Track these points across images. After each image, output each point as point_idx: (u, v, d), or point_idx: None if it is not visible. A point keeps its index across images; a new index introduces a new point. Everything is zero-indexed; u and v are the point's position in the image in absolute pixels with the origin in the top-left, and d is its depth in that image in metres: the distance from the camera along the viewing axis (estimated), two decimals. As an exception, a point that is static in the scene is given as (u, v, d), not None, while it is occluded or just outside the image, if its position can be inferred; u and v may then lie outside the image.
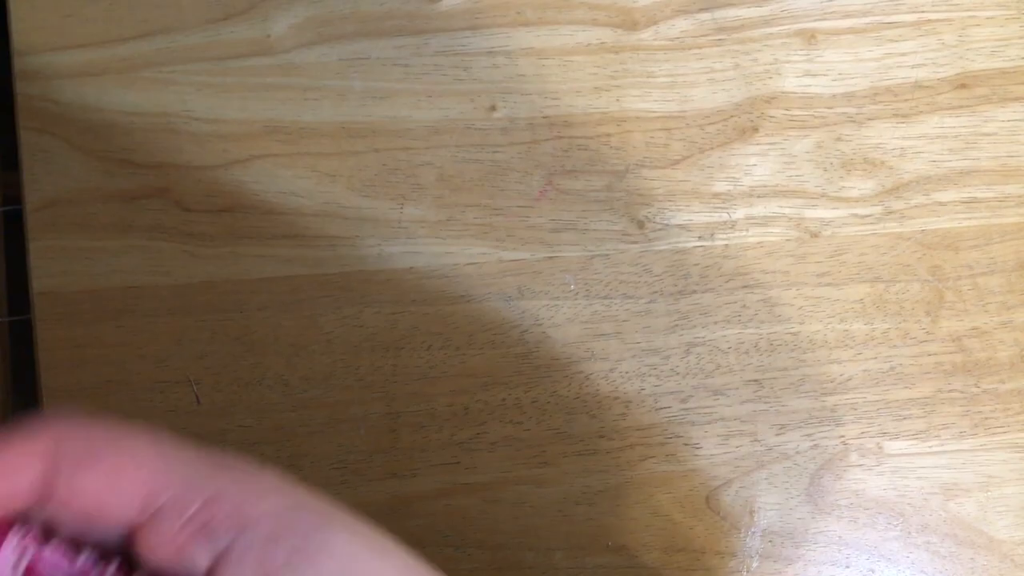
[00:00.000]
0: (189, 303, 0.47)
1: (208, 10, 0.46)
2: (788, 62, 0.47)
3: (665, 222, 0.48)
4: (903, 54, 0.47)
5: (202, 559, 0.29)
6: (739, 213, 0.48)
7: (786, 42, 0.47)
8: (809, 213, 0.48)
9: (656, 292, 0.48)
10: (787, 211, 0.48)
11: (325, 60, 0.47)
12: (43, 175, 0.46)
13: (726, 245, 0.48)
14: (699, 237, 0.48)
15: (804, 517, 0.49)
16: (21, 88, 0.46)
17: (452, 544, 0.48)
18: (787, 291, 0.48)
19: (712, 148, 0.47)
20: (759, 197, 0.48)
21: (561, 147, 0.47)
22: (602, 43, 0.47)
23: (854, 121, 0.47)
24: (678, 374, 0.48)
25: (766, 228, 0.48)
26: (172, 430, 0.47)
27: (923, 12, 0.47)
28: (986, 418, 0.48)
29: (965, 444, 0.48)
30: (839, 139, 0.47)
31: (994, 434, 0.48)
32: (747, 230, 0.48)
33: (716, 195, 0.48)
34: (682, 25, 0.47)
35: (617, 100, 0.47)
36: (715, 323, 0.48)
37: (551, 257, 0.48)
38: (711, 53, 0.47)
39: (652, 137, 0.47)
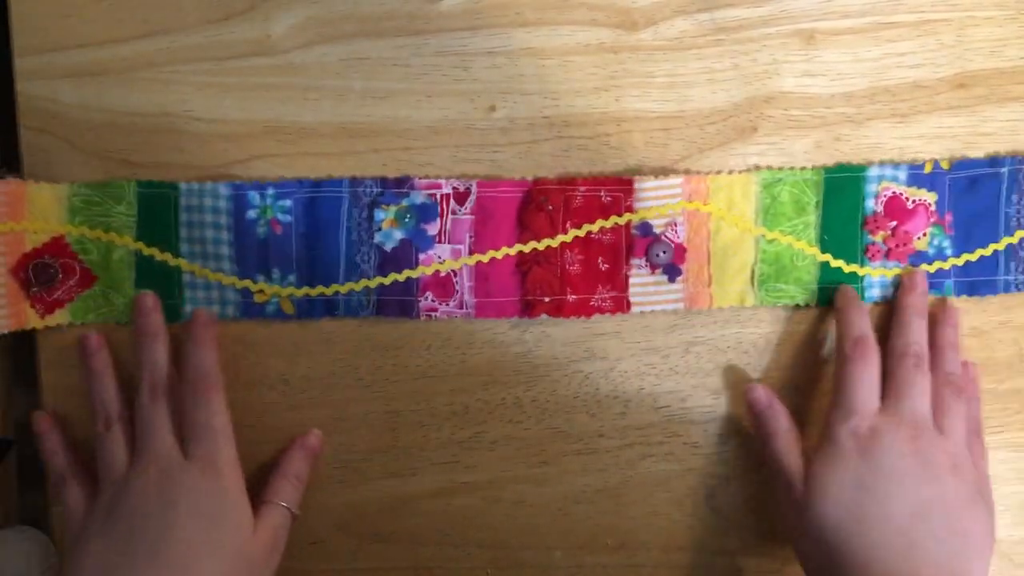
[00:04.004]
0: (189, 303, 0.47)
1: (208, 10, 0.46)
2: (787, 62, 0.47)
3: (664, 222, 0.48)
4: (902, 54, 0.48)
5: None
6: (738, 213, 0.48)
7: (785, 42, 0.47)
8: (808, 213, 0.48)
9: (655, 292, 0.48)
10: (786, 211, 0.48)
11: (325, 60, 0.47)
12: (43, 175, 0.46)
13: (725, 245, 0.48)
14: (698, 237, 0.48)
15: (803, 516, 0.49)
16: (21, 88, 0.46)
17: (452, 543, 0.48)
18: (786, 291, 0.48)
19: (711, 148, 0.47)
20: (758, 197, 0.48)
21: (561, 147, 0.47)
22: (601, 43, 0.47)
23: (853, 121, 0.48)
24: (677, 373, 0.48)
25: (765, 228, 0.48)
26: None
27: (922, 12, 0.48)
28: (985, 417, 0.48)
29: (963, 443, 0.48)
30: (838, 139, 0.48)
31: (993, 433, 0.48)
32: (746, 230, 0.48)
33: (715, 195, 0.48)
34: (681, 25, 0.47)
35: (616, 100, 0.47)
36: (714, 322, 0.48)
37: (551, 257, 0.48)
38: (710, 53, 0.47)
39: (651, 137, 0.47)
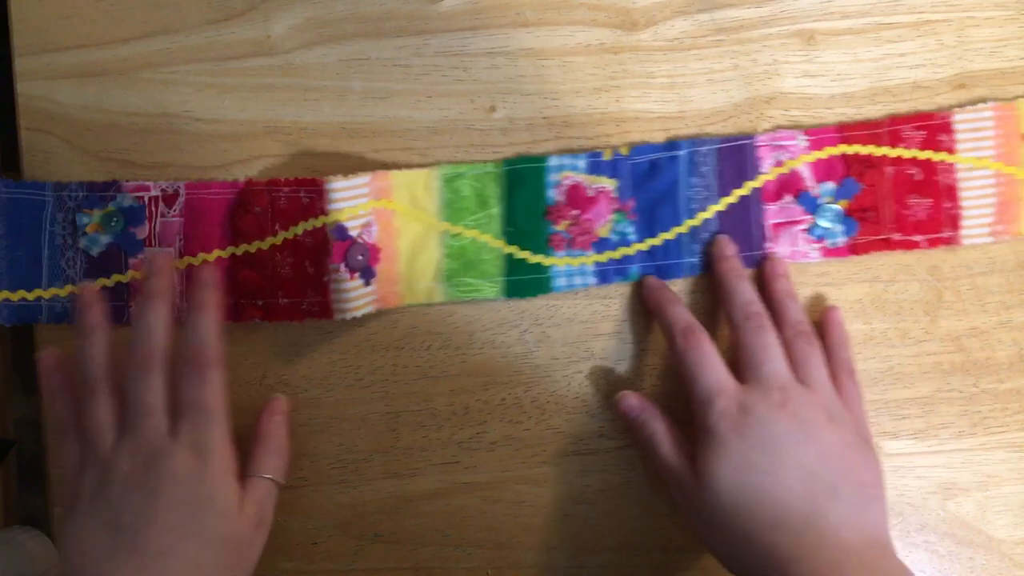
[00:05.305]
0: (189, 303, 0.47)
1: (208, 11, 0.47)
2: (787, 62, 0.47)
3: (664, 222, 0.48)
4: (902, 55, 0.48)
5: None
6: (738, 213, 0.48)
7: (785, 43, 0.47)
8: (808, 213, 0.48)
9: (655, 292, 0.48)
10: (786, 211, 0.48)
11: (325, 60, 0.47)
12: (43, 175, 0.46)
13: (725, 245, 0.48)
14: (698, 237, 0.48)
15: (803, 516, 0.49)
16: (21, 88, 0.46)
17: (452, 543, 0.48)
18: (786, 291, 0.48)
19: (711, 148, 0.47)
20: (758, 197, 0.48)
21: (561, 147, 0.47)
22: (601, 44, 0.47)
23: (853, 121, 0.48)
24: (677, 373, 0.48)
25: (765, 228, 0.48)
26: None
27: (922, 13, 0.48)
28: (985, 417, 0.48)
29: (964, 444, 0.48)
30: (838, 139, 0.48)
31: (993, 433, 0.48)
32: (746, 230, 0.48)
33: (715, 195, 0.48)
34: (681, 26, 0.47)
35: (616, 101, 0.47)
36: (714, 322, 0.48)
37: (551, 257, 0.48)
38: (710, 54, 0.47)
39: (651, 138, 0.47)
